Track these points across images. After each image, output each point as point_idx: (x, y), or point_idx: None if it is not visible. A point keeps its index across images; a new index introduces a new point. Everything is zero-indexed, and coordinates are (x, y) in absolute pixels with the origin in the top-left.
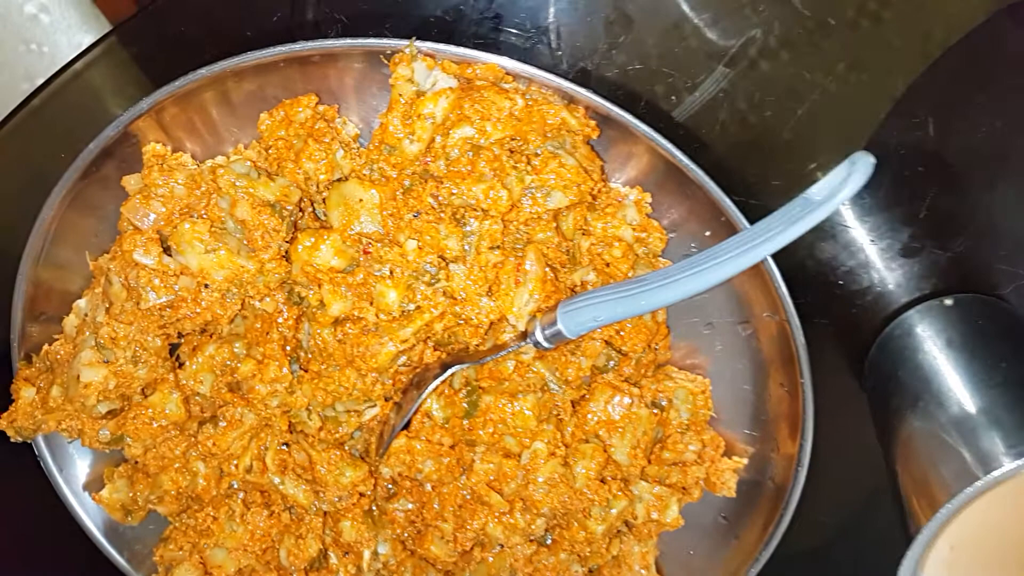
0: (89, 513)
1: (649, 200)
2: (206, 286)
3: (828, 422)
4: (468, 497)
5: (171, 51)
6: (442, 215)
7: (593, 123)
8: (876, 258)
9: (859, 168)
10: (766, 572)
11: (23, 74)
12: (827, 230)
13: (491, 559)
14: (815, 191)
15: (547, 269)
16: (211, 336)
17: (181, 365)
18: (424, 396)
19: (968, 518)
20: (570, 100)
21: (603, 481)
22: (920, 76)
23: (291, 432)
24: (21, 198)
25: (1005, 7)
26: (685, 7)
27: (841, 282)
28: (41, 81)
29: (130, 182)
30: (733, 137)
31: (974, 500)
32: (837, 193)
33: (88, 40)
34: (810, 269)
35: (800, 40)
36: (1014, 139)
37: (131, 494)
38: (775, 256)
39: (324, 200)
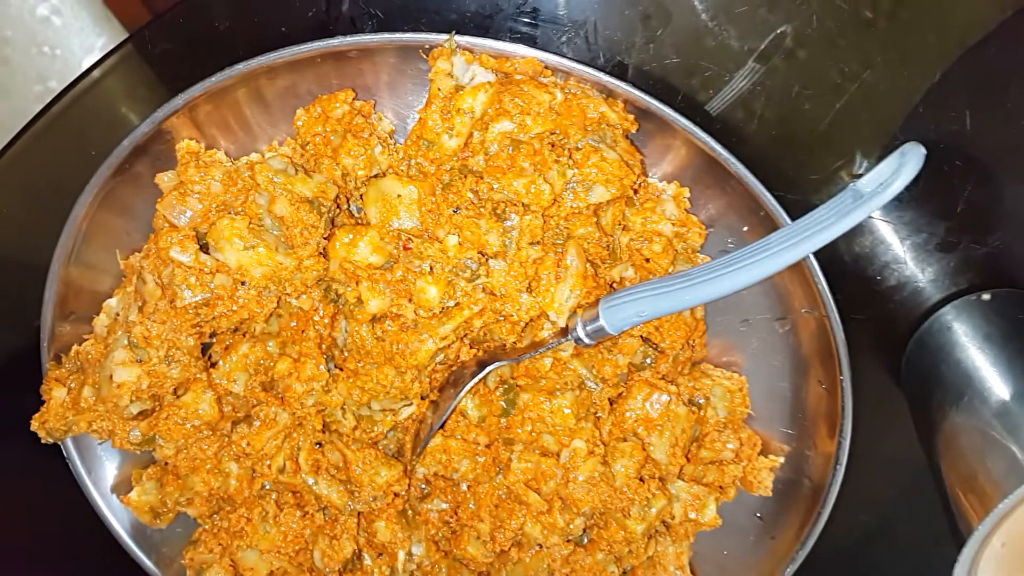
0: (117, 516)
1: (688, 195)
2: (243, 284)
3: (863, 419)
4: (504, 497)
5: (192, 56)
6: (482, 210)
7: (632, 117)
8: (912, 253)
9: (911, 159)
10: (800, 572)
11: (35, 76)
12: (863, 224)
13: (528, 560)
14: (864, 183)
15: (588, 265)
16: (244, 335)
17: (214, 364)
18: (462, 395)
19: (1020, 513)
20: (608, 94)
21: (641, 480)
22: (956, 69)
23: (325, 432)
24: (43, 201)
25: None
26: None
27: (878, 277)
28: (53, 83)
29: (164, 179)
30: (770, 131)
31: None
32: (890, 185)
33: (100, 43)
34: (847, 264)
35: (837, 33)
36: None
37: (160, 496)
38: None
39: (361, 197)
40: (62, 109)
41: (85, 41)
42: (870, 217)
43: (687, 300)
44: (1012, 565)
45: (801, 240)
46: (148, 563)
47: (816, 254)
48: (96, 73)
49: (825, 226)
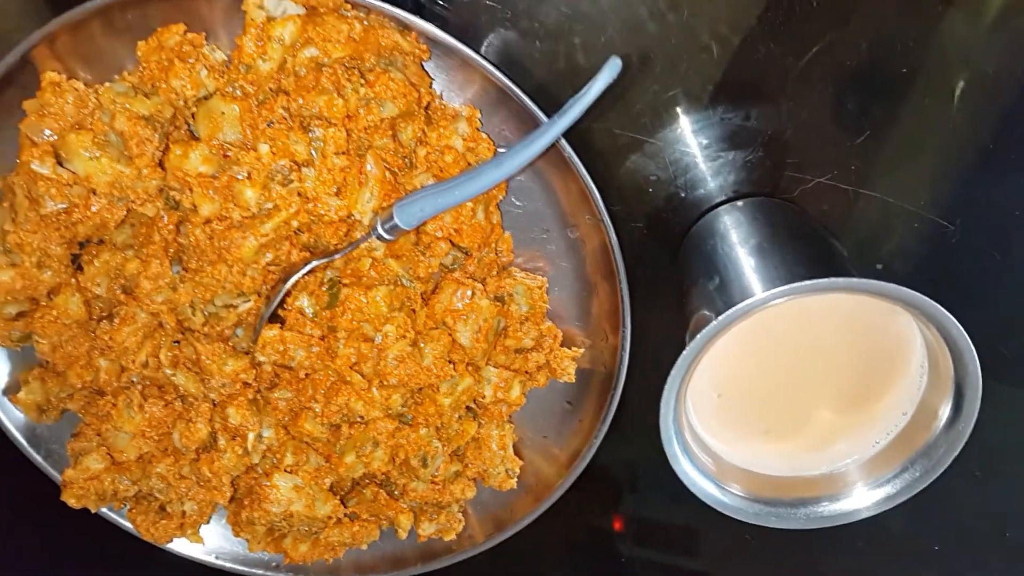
0: (9, 416)
1: (480, 116)
2: (95, 193)
3: (654, 314)
4: (335, 380)
5: None
6: (292, 124)
7: (425, 47)
8: (683, 168)
9: (608, 68)
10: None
11: None
12: (640, 146)
13: (356, 433)
14: (582, 91)
15: (387, 172)
16: (106, 245)
17: (82, 271)
18: (288, 287)
19: (726, 365)
20: (404, 27)
21: (453, 363)
22: (704, 7)
23: (182, 331)
24: None
25: None
26: None
27: (652, 190)
28: None
29: (30, 105)
30: (552, 63)
31: (721, 343)
32: (591, 88)
33: None
34: (624, 181)
35: None
36: (786, 61)
37: (44, 394)
38: (596, 170)
39: (194, 116)
40: None
41: None
42: (650, 141)
43: (458, 196)
44: (730, 414)
45: (537, 139)
46: (37, 457)
47: (598, 172)
48: None
49: (552, 125)
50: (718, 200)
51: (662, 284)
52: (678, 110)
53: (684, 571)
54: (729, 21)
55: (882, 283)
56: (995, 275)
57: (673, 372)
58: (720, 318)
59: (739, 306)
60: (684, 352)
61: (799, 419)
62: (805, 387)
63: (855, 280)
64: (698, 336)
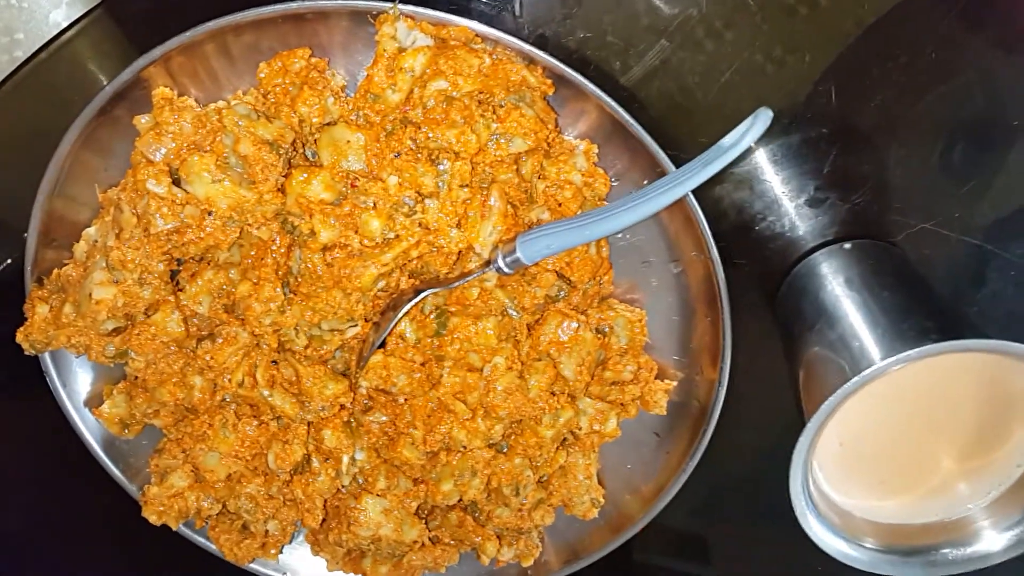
0: (89, 428)
1: (596, 151)
2: (209, 214)
3: (748, 351)
4: (435, 407)
5: (159, 16)
6: (419, 156)
7: (549, 81)
8: (788, 208)
9: (760, 120)
10: (699, 495)
11: (3, 28)
12: (745, 183)
13: (455, 462)
14: (726, 140)
15: (508, 206)
16: (209, 263)
17: (181, 290)
18: (400, 316)
19: (850, 415)
20: (530, 61)
21: (553, 394)
22: (824, 52)
23: (280, 351)
24: (21, 150)
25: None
26: None
27: (757, 228)
28: (20, 35)
29: (141, 121)
30: (669, 100)
31: (850, 397)
32: (742, 140)
33: None
34: (731, 216)
35: (728, 18)
36: (900, 109)
37: (129, 408)
38: (701, 204)
39: (316, 142)
40: (37, 65)
41: None
42: (758, 178)
43: (586, 235)
44: (851, 463)
45: (674, 186)
46: (116, 471)
47: (703, 207)
48: (70, 32)
49: (694, 173)
50: (821, 240)
51: (756, 319)
52: (790, 151)
53: None
54: (847, 69)
55: (1019, 345)
56: None
57: (805, 432)
58: (855, 379)
59: (876, 367)
60: (818, 410)
61: (919, 467)
62: (926, 436)
63: (992, 342)
64: (831, 397)
